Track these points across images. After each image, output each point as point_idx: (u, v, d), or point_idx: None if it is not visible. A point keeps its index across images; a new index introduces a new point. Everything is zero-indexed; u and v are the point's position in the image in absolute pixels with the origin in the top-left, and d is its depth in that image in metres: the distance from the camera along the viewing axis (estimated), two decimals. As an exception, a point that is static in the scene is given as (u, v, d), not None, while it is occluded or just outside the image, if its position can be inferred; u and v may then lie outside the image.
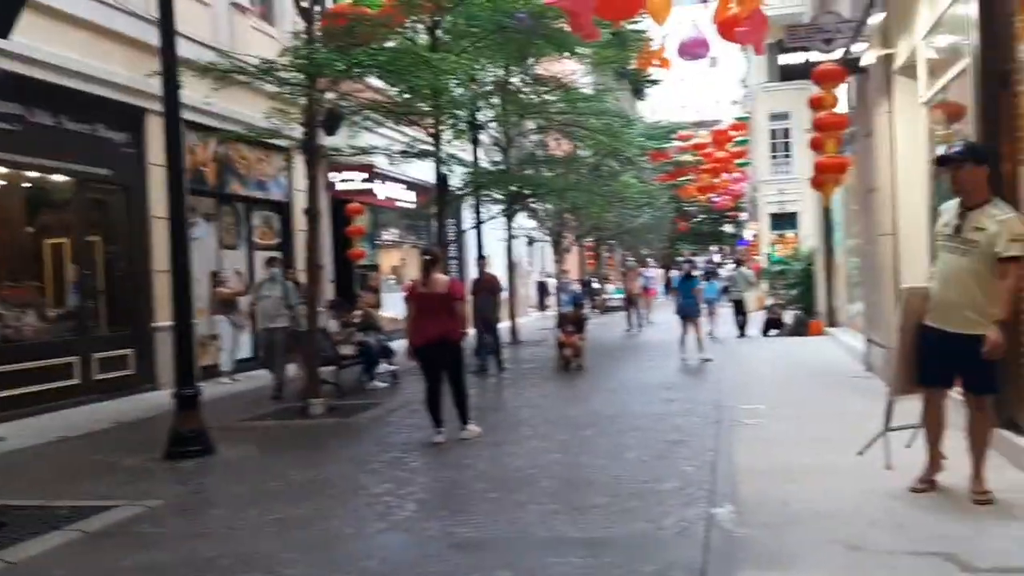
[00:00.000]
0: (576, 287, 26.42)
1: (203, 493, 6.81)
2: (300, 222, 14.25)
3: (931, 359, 5.19)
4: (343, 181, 17.24)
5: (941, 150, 8.26)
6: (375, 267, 19.91)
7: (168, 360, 9.44)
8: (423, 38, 13.88)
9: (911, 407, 5.55)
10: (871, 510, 5.04)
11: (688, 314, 14.56)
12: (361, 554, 4.90)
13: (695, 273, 16.53)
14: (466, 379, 8.31)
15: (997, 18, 6.38)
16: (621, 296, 27.37)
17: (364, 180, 17.41)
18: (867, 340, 11.54)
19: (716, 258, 43.31)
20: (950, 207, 5.20)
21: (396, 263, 21.65)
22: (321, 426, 9.23)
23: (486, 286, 14.01)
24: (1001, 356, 4.94)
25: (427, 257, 8.19)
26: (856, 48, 10.22)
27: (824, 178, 11.27)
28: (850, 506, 5.14)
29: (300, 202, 14.24)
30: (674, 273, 26.37)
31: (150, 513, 6.00)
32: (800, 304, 19.82)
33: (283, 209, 16.22)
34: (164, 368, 11.60)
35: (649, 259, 29.48)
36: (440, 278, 8.11)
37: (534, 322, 25.76)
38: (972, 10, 6.55)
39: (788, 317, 19.35)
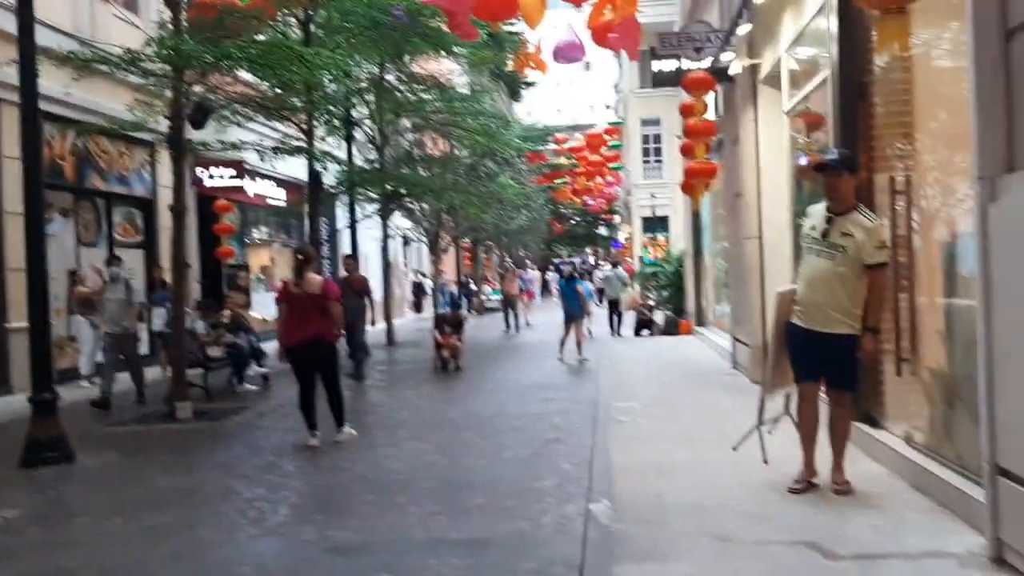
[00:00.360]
0: (453, 288, 26.39)
1: (64, 502, 6.44)
2: (165, 219, 13.66)
3: (799, 356, 5.41)
4: (211, 177, 16.63)
5: (803, 159, 8.66)
6: (244, 266, 19.33)
7: (23, 363, 8.89)
8: (296, 32, 13.57)
9: (780, 403, 5.80)
10: (740, 503, 5.22)
11: (572, 316, 14.77)
12: (234, 561, 4.72)
13: (576, 275, 16.82)
14: (340, 381, 8.16)
15: (855, 32, 6.72)
16: (498, 298, 27.52)
17: (233, 176, 16.83)
18: (734, 339, 11.99)
19: (591, 260, 44.10)
20: (817, 211, 5.39)
21: (266, 262, 21.08)
22: (188, 430, 8.87)
23: (355, 287, 12.93)
24: (876, 362, 5.31)
25: (300, 256, 8.01)
26: (724, 57, 10.59)
27: (694, 183, 11.64)
28: (720, 499, 5.30)
29: (165, 198, 13.64)
30: (551, 275, 26.68)
31: (7, 524, 5.64)
32: (671, 305, 20.42)
33: (147, 205, 15.54)
34: (19, 371, 10.86)
35: (528, 261, 29.71)
36: (314, 278, 7.94)
37: (410, 323, 25.59)
38: (832, 24, 6.87)
39: (659, 317, 19.90)
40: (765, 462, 5.93)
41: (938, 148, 5.81)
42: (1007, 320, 3.87)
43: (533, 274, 26.02)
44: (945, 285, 5.37)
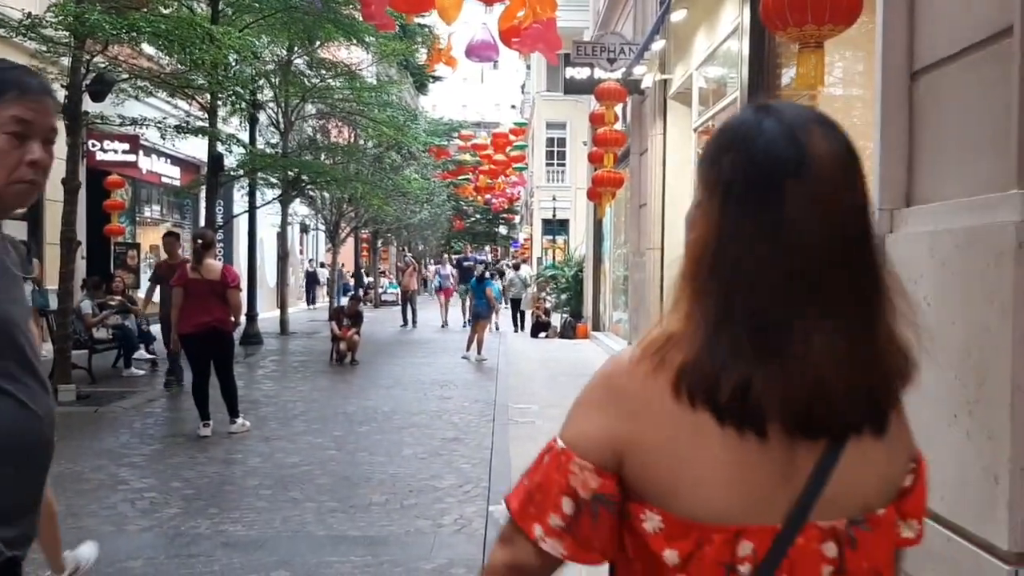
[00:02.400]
0: (349, 280, 25.99)
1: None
2: (53, 192, 13.03)
3: None
4: (103, 151, 15.95)
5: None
6: (135, 245, 18.63)
7: None
8: (202, 8, 13.16)
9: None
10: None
11: (479, 315, 14.81)
12: (123, 554, 4.56)
13: (488, 275, 16.95)
14: (234, 370, 7.97)
15: (765, 56, 6.99)
16: (396, 291, 27.29)
17: (127, 151, 16.19)
18: (629, 345, 12.27)
19: (489, 258, 44.27)
20: None
21: (158, 242, 20.37)
22: (72, 414, 8.49)
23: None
24: None
25: (200, 241, 7.81)
26: (637, 70, 10.83)
27: (600, 191, 11.84)
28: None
29: (55, 170, 13.01)
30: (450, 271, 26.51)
31: None
32: (568, 308, 20.71)
33: (36, 176, 14.77)
34: None
35: (446, 256, 29.44)
36: (213, 264, 7.76)
37: (301, 314, 25.13)
38: (744, 47, 7.13)
39: (556, 320, 20.17)
40: None
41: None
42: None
43: (451, 270, 25.23)
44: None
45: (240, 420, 7.86)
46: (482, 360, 13.95)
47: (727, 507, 1.01)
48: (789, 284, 1.00)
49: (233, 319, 7.79)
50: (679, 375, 1.02)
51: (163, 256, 11.20)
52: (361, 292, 24.01)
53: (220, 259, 14.76)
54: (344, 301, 15.82)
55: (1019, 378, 3.30)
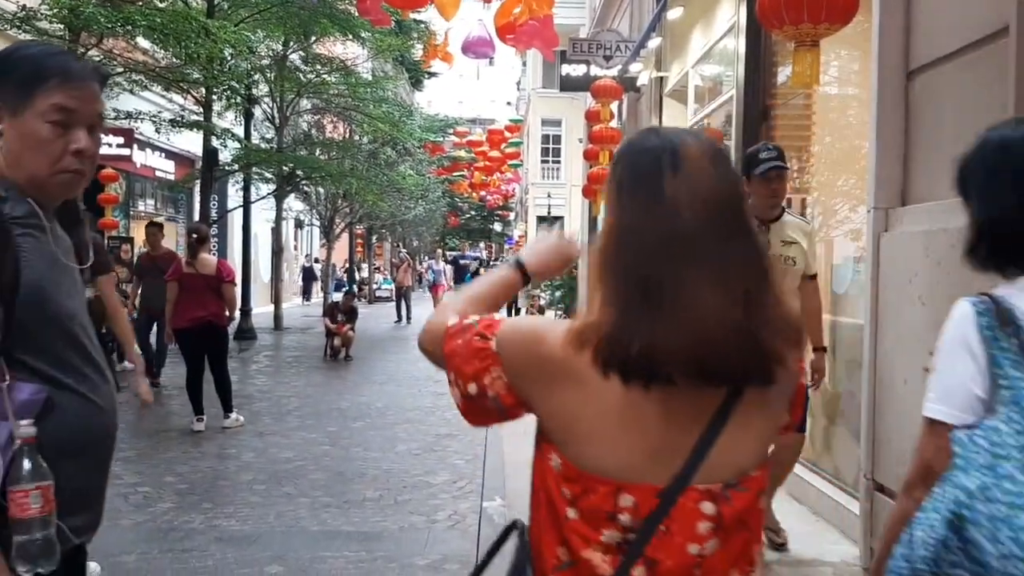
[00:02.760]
0: (342, 275, 25.89)
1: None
2: (48, 185, 12.99)
3: None
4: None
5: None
6: (129, 239, 18.57)
7: None
8: (198, 1, 13.12)
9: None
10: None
11: None
12: (116, 549, 4.55)
13: (483, 271, 16.93)
14: (228, 365, 7.97)
15: (762, 55, 6.99)
16: (390, 287, 27.25)
17: (121, 145, 16.13)
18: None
19: (484, 255, 44.24)
20: None
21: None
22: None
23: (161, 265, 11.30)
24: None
25: (195, 236, 7.83)
26: (633, 68, 10.82)
27: (596, 188, 11.83)
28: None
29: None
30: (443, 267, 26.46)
31: None
32: (562, 305, 20.71)
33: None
34: None
35: (439, 251, 29.21)
36: (208, 259, 7.82)
37: (297, 309, 25.10)
38: (741, 45, 7.12)
39: (550, 316, 20.19)
40: None
41: (831, 173, 6.12)
42: (893, 343, 4.11)
43: (444, 266, 25.06)
44: (831, 304, 5.66)
45: (234, 415, 7.85)
46: None
47: (610, 465, 1.20)
48: (673, 253, 1.19)
49: (228, 314, 7.78)
50: (596, 350, 1.19)
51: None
52: (355, 288, 23.81)
53: (215, 254, 14.72)
54: (337, 297, 15.76)
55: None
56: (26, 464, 1.52)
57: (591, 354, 1.19)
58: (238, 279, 10.78)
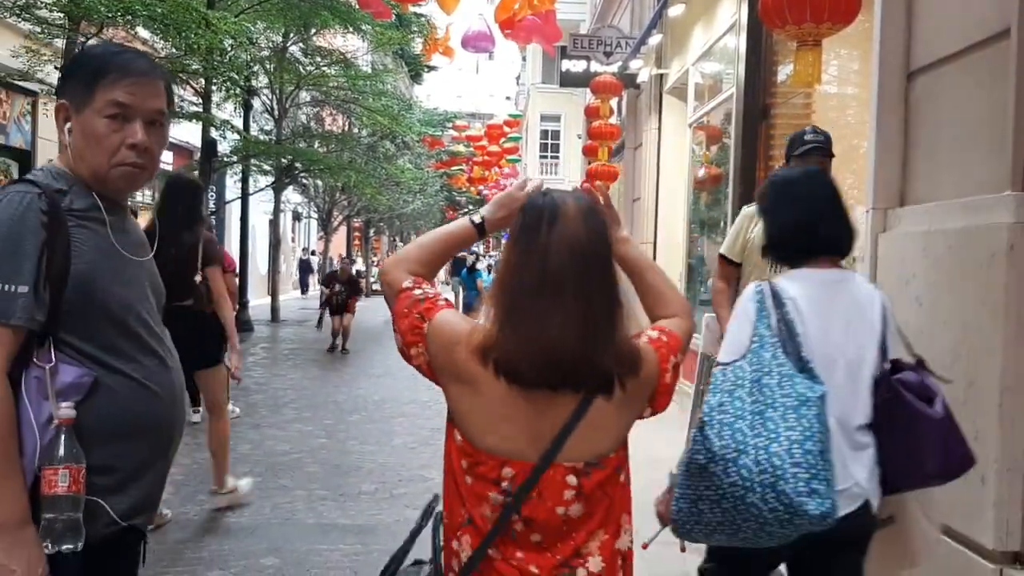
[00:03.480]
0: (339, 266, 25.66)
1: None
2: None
3: None
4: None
5: (702, 170, 8.93)
6: (127, 230, 18.59)
7: None
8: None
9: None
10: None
11: (470, 306, 14.86)
12: (111, 541, 4.56)
13: (479, 266, 16.93)
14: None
15: (762, 53, 7.00)
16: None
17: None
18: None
19: (480, 249, 44.20)
20: None
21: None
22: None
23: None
24: None
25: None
26: (634, 64, 10.82)
27: (595, 185, 11.84)
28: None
29: (45, 151, 12.98)
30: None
31: None
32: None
33: (24, 157, 14.69)
34: None
35: None
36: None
37: (293, 302, 25.07)
38: (741, 43, 7.13)
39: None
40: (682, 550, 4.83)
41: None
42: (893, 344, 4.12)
43: None
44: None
45: (231, 406, 7.85)
46: None
47: (494, 443, 1.58)
48: (539, 288, 1.56)
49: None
50: (483, 352, 1.57)
51: None
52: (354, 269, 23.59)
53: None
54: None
55: (1008, 380, 3.33)
56: (60, 445, 1.60)
57: (482, 361, 1.57)
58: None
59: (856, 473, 2.31)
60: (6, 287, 1.58)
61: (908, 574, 3.21)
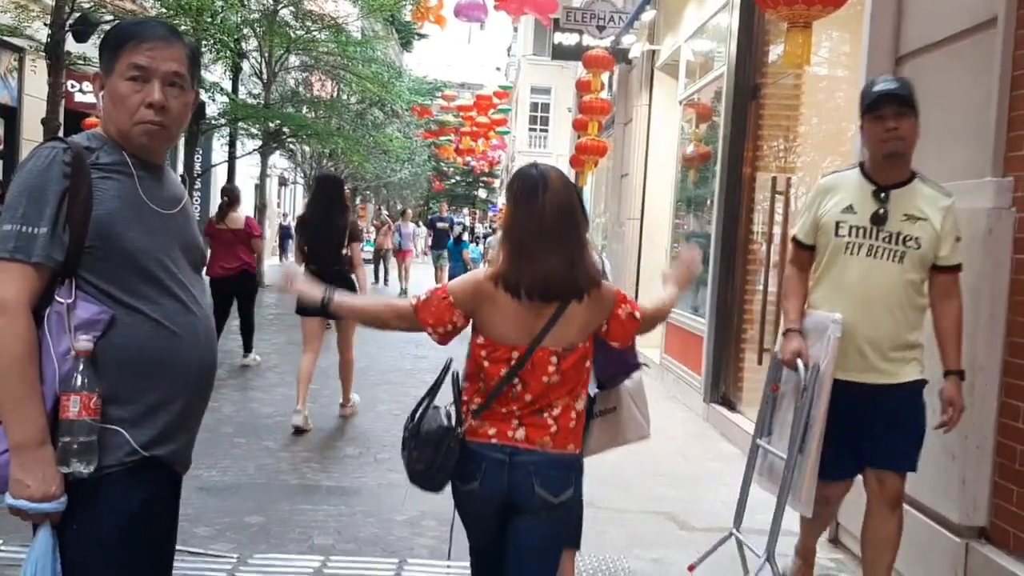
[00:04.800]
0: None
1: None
2: (30, 131, 12.87)
3: (836, 433, 3.25)
4: (82, 92, 15.72)
5: (691, 148, 8.97)
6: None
7: None
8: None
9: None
10: (602, 472, 5.42)
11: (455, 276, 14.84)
12: (97, 496, 4.62)
13: (465, 237, 16.90)
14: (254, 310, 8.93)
15: (754, 33, 7.03)
16: (372, 249, 27.14)
17: (96, 94, 15.93)
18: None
19: (467, 221, 44.10)
20: (846, 181, 3.34)
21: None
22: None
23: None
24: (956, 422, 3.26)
25: (226, 198, 8.93)
26: (626, 39, 10.82)
27: (584, 159, 11.86)
28: (585, 467, 5.54)
29: (31, 108, 12.82)
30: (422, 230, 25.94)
31: None
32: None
33: (9, 113, 14.55)
34: None
35: (408, 210, 28.62)
36: (237, 216, 8.78)
37: (275, 267, 25.01)
38: (734, 22, 7.15)
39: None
40: (690, 568, 3.98)
41: (817, 154, 6.20)
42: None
43: (413, 228, 23.66)
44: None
45: (252, 354, 8.87)
46: None
47: (504, 336, 2.35)
48: (539, 235, 2.31)
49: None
50: (498, 277, 2.32)
51: None
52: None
53: (197, 208, 14.69)
54: None
55: (980, 359, 3.42)
56: (76, 373, 1.76)
57: (496, 283, 2.32)
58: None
59: None
60: (28, 229, 1.77)
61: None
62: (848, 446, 3.26)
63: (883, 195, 3.21)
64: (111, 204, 1.84)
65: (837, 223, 3.27)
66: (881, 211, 3.20)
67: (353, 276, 6.59)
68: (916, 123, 3.17)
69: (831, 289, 3.31)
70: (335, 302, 2.49)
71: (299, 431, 6.18)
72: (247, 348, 8.86)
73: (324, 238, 6.58)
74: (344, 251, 6.57)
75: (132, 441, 1.84)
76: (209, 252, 8.20)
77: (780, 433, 3.55)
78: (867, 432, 3.24)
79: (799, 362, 3.28)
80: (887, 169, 3.22)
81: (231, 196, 8.90)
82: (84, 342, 1.78)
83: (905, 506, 3.60)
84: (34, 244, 1.76)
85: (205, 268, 8.44)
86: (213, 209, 20.03)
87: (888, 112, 3.12)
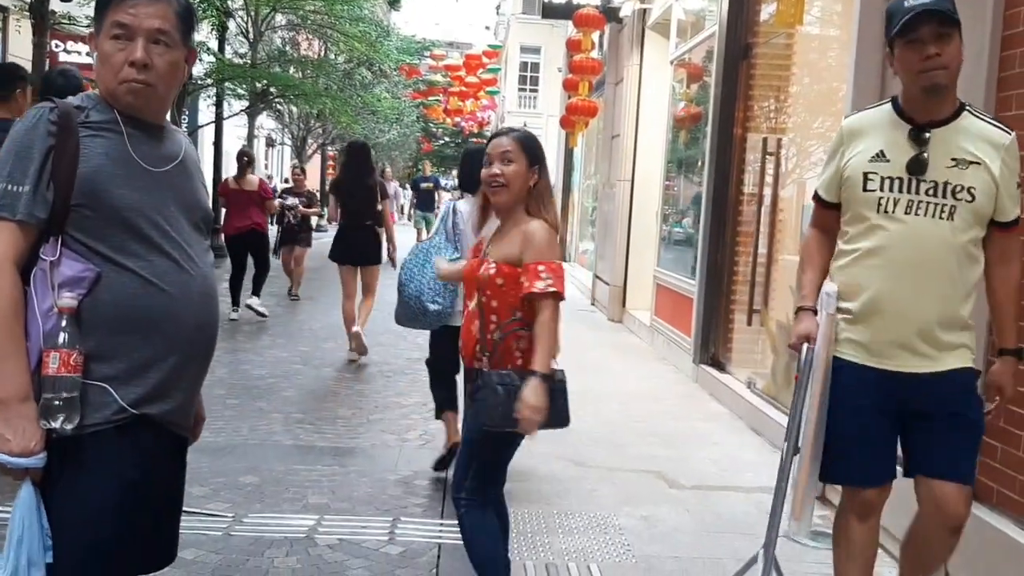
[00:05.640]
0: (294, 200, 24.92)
1: None
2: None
3: (864, 431, 2.68)
4: (67, 52, 15.50)
5: (682, 107, 8.93)
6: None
7: None
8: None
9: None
10: (594, 432, 5.52)
11: None
12: (92, 457, 4.64)
13: (439, 194, 16.80)
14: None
15: (746, -7, 6.97)
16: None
17: (89, 54, 15.73)
18: (594, 276, 12.40)
19: (456, 183, 43.82)
20: (876, 123, 2.70)
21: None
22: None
23: None
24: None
25: (245, 159, 9.52)
26: (617, -2, 10.72)
27: (574, 119, 11.81)
28: (575, 427, 5.54)
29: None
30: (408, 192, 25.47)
31: None
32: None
33: (-7, 74, 14.35)
34: None
35: (385, 167, 27.98)
36: (251, 178, 9.43)
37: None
38: (726, -19, 7.08)
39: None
40: None
41: (808, 114, 6.19)
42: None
43: (396, 187, 22.92)
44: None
45: (259, 300, 9.58)
46: None
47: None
48: (550, 189, 2.97)
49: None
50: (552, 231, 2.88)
51: None
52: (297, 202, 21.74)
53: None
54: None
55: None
56: (59, 330, 1.78)
57: (552, 231, 2.88)
58: (209, 196, 10.78)
59: None
60: (13, 187, 1.80)
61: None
62: (888, 447, 2.69)
63: (922, 136, 2.57)
64: (97, 161, 1.85)
65: (865, 175, 2.62)
66: (921, 156, 2.55)
67: (381, 229, 7.78)
68: (960, 43, 2.54)
69: (861, 257, 2.64)
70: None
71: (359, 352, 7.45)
72: (256, 292, 9.57)
73: (357, 197, 7.53)
74: (378, 207, 7.68)
75: (120, 399, 1.84)
76: (224, 212, 8.58)
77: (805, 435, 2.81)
78: (916, 432, 2.66)
79: (804, 347, 2.74)
80: (927, 104, 2.58)
81: (249, 158, 9.54)
82: (67, 299, 1.79)
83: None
84: (18, 202, 1.79)
85: (222, 227, 9.18)
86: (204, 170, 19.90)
87: (926, 34, 2.49)
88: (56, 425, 1.77)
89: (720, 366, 6.95)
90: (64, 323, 1.78)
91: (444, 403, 4.75)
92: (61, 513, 1.80)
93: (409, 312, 4.39)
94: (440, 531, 3.90)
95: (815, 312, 2.76)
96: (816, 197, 2.84)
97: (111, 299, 1.84)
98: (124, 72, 1.87)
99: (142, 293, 1.86)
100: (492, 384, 2.71)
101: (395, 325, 4.68)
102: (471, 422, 2.94)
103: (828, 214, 2.81)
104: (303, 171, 13.37)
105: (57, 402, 1.77)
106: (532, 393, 2.67)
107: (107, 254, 1.84)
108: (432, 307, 4.29)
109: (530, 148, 2.87)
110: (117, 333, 1.84)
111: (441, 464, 4.62)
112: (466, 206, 4.26)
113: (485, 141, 3.29)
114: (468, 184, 4.36)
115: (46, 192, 1.81)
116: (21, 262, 1.80)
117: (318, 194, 29.97)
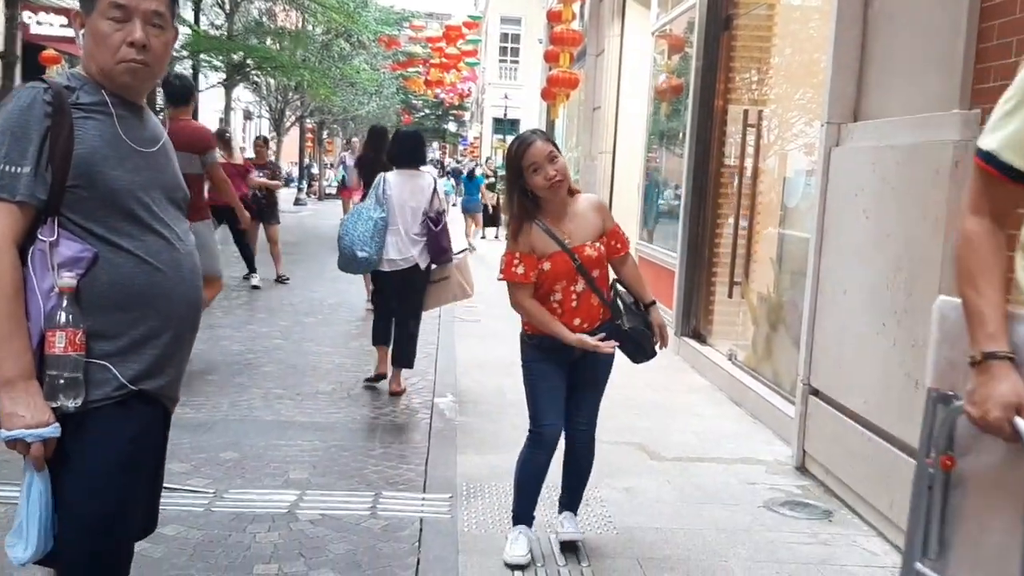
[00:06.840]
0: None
1: None
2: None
3: None
4: (39, 23, 15.24)
5: (663, 78, 8.89)
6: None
7: None
8: None
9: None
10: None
11: (469, 210, 16.13)
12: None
13: (479, 172, 17.69)
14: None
15: (727, -37, 6.91)
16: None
17: (64, 25, 15.48)
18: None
19: (437, 155, 43.66)
20: None
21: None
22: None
23: None
24: None
25: (227, 135, 10.01)
26: (597, -32, 10.63)
27: (555, 91, 11.75)
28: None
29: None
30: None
31: None
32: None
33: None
34: None
35: (354, 139, 27.45)
36: (237, 153, 10.00)
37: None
38: (707, -49, 7.02)
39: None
40: None
41: (789, 86, 6.17)
42: (835, 255, 4.26)
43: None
44: (780, 216, 5.80)
45: (256, 277, 10.10)
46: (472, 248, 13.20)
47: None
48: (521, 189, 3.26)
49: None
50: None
51: None
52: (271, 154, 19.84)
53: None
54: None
55: (946, 291, 3.47)
56: (60, 310, 1.81)
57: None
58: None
59: (412, 251, 5.57)
60: (11, 168, 1.82)
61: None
62: None
63: None
64: (92, 143, 1.88)
65: None
66: None
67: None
68: None
69: None
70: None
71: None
72: (250, 269, 10.05)
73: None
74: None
75: (119, 376, 1.89)
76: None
77: (963, 556, 1.73)
78: None
79: (1020, 422, 1.55)
80: None
81: (229, 135, 10.24)
82: (67, 279, 1.82)
83: (869, 433, 3.69)
84: (17, 183, 1.81)
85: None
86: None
87: None
88: (62, 403, 1.82)
89: (701, 338, 6.98)
90: (65, 303, 1.81)
91: (380, 337, 5.94)
92: (66, 487, 1.86)
93: (343, 259, 5.54)
94: (422, 505, 3.91)
95: (1013, 360, 1.60)
96: (991, 160, 1.67)
97: (108, 278, 1.88)
98: (123, 52, 1.90)
99: (138, 272, 1.91)
100: (640, 329, 3.31)
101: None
102: (604, 371, 3.50)
103: (1008, 190, 1.67)
104: (266, 142, 13.17)
105: (62, 381, 1.81)
106: (661, 315, 3.41)
107: (101, 234, 1.88)
108: (360, 254, 5.40)
109: (553, 142, 3.24)
110: (115, 311, 1.89)
111: (369, 384, 5.88)
112: (395, 177, 5.60)
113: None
114: (399, 160, 5.66)
115: (45, 173, 1.83)
116: (20, 243, 1.83)
117: (296, 168, 29.78)
